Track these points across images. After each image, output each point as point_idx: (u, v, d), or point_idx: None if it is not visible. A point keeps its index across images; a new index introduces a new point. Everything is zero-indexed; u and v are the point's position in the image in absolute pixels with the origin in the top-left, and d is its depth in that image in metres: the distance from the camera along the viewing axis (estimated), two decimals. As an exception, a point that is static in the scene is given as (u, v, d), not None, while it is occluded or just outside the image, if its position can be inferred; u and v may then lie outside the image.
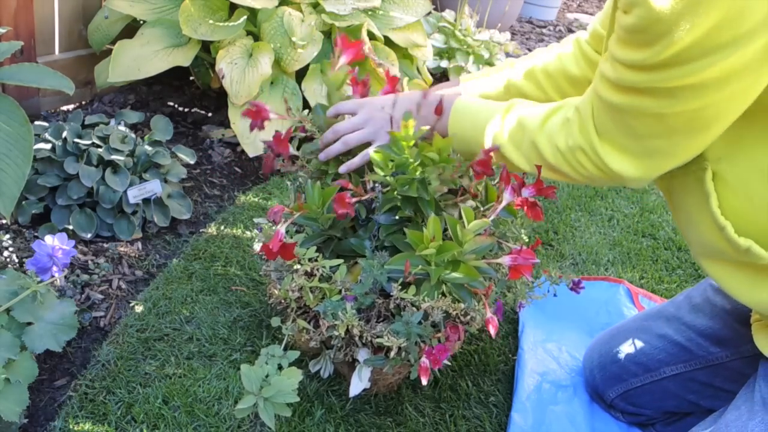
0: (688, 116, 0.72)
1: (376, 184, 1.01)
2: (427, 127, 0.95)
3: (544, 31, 4.25)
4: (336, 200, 0.94)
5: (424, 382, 0.89)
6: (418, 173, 0.96)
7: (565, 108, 0.88)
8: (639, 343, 1.16)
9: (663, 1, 0.65)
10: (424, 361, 0.90)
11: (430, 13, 2.96)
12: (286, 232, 1.00)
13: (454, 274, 0.93)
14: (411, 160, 0.95)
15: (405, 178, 0.96)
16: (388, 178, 0.97)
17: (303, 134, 1.16)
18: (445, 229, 0.96)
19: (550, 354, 1.33)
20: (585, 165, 0.83)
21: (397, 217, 1.02)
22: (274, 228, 1.07)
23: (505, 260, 0.91)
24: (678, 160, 0.79)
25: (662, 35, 0.66)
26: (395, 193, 0.99)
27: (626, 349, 1.18)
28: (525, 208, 0.97)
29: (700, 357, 1.08)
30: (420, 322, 0.91)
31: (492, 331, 0.91)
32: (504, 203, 0.97)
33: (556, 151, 0.86)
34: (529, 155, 0.89)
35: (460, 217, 0.96)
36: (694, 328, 1.10)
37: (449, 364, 1.24)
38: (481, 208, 1.07)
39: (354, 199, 0.95)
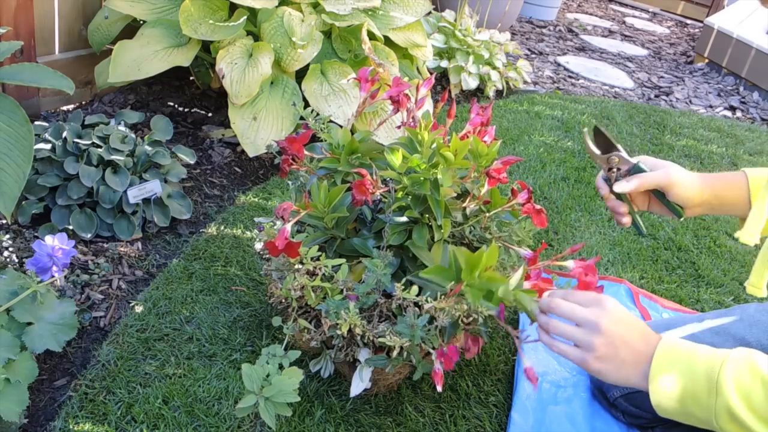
0: None
1: (390, 181, 1.01)
2: None
3: (544, 31, 4.25)
4: (356, 186, 0.94)
5: (439, 388, 0.88)
6: (431, 174, 0.96)
7: None
8: None
9: None
10: (438, 367, 0.89)
11: (430, 13, 2.96)
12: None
13: (486, 303, 0.87)
14: (424, 160, 0.96)
15: (417, 177, 0.97)
16: (401, 176, 0.97)
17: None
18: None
19: (551, 353, 1.33)
20: None
21: (405, 219, 1.02)
22: (275, 228, 1.07)
23: (573, 271, 0.90)
24: None
25: None
26: (405, 192, 1.00)
27: None
28: (531, 214, 0.97)
29: None
30: (424, 326, 0.91)
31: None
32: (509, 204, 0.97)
33: None
34: None
35: (465, 218, 0.96)
36: None
37: (450, 364, 1.24)
38: (487, 213, 1.07)
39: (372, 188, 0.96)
